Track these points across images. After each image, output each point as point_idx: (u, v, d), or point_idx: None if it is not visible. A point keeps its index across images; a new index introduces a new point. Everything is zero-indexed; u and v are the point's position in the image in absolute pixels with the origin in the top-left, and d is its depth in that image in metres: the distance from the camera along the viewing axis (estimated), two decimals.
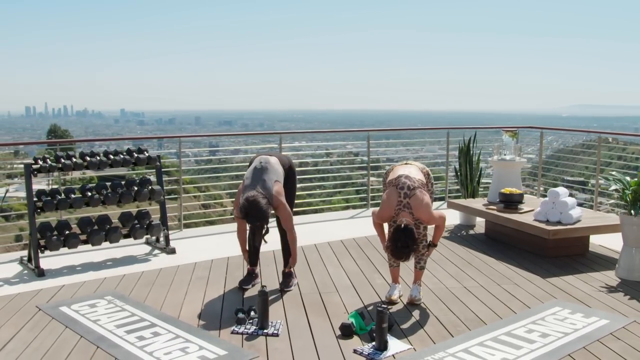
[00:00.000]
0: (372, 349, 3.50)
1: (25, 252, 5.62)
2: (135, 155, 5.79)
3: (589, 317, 4.05)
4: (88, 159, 5.55)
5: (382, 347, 3.49)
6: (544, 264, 5.32)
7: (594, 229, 5.56)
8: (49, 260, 5.43)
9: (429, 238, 4.37)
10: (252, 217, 4.16)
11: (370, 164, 8.14)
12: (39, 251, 5.17)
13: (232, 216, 7.85)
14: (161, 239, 5.95)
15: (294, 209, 4.84)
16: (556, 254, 5.51)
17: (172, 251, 5.79)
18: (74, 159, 5.50)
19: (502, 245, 5.96)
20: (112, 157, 5.66)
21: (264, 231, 4.37)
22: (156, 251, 5.85)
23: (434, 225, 4.28)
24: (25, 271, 5.22)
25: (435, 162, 9.56)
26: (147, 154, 5.85)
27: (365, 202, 8.25)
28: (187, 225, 6.96)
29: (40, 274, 5.07)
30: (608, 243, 5.90)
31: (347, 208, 10.83)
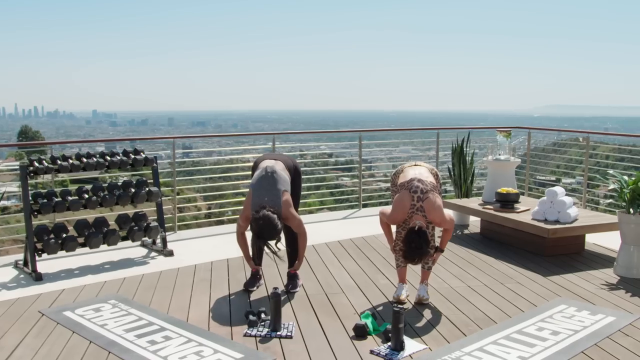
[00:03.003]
0: (388, 349, 3.50)
1: (19, 256, 5.50)
2: (132, 156, 5.70)
3: (595, 315, 4.10)
4: (85, 160, 5.44)
5: (399, 347, 3.49)
6: (543, 263, 5.37)
7: (592, 227, 5.63)
8: (44, 264, 5.31)
9: (437, 240, 4.38)
10: (264, 239, 4.18)
11: (345, 165, 8.14)
12: (35, 255, 5.05)
13: (211, 219, 7.79)
14: (158, 241, 5.86)
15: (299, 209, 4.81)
16: (553, 253, 5.58)
17: (170, 253, 5.71)
18: (71, 160, 5.39)
19: (499, 245, 6.01)
20: (109, 158, 5.57)
21: (274, 242, 4.30)
22: (153, 253, 5.77)
23: (442, 228, 4.30)
24: (22, 275, 5.11)
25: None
26: (143, 155, 5.77)
27: (357, 203, 8.26)
28: (168, 229, 6.85)
29: (38, 278, 4.95)
30: (602, 241, 5.99)
31: (322, 210, 10.80)
